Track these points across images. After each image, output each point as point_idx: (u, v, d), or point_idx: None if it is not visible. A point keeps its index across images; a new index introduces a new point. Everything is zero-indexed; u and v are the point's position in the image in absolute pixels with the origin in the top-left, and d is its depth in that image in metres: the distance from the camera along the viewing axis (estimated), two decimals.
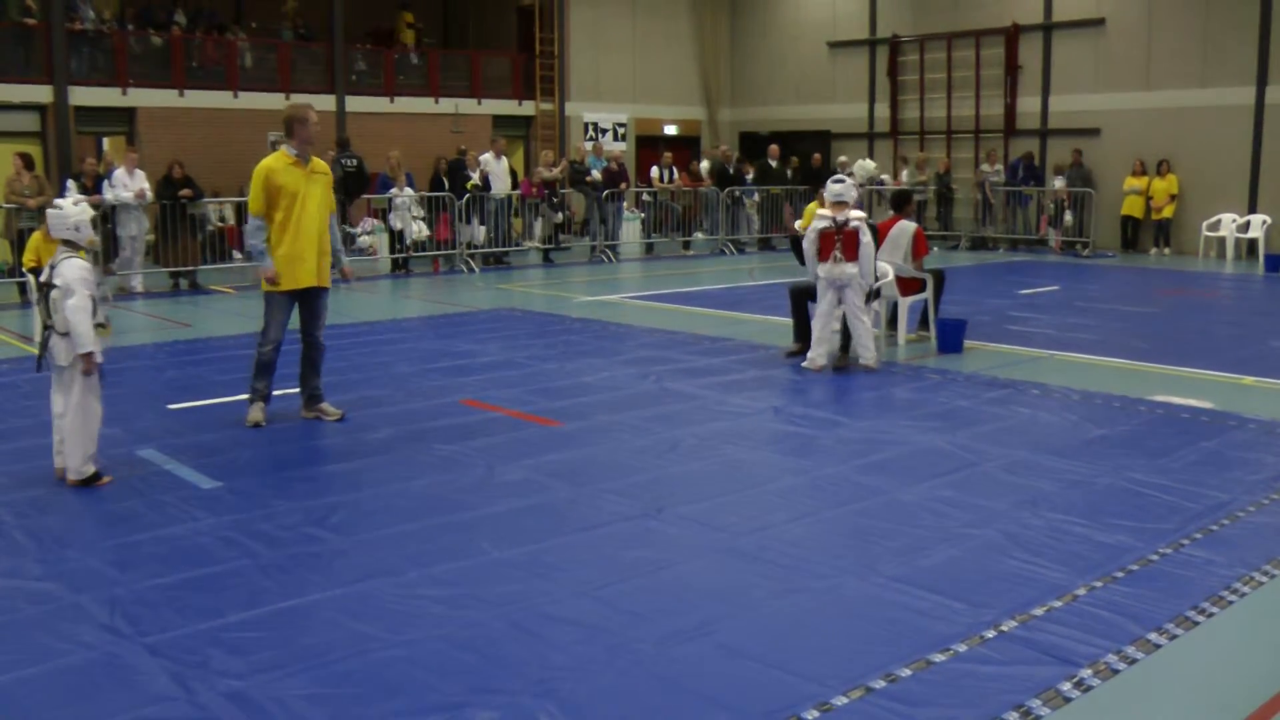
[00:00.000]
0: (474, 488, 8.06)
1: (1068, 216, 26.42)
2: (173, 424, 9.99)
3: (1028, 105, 28.57)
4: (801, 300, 12.99)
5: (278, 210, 9.69)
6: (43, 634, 5.60)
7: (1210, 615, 5.75)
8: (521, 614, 5.78)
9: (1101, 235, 26.44)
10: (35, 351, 13.45)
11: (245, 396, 10.25)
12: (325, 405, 10.24)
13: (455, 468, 8.53)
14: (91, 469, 8.16)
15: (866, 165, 15.41)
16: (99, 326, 8.06)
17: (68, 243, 8.17)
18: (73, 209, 8.23)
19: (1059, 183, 26.43)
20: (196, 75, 26.05)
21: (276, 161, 9.75)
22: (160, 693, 4.98)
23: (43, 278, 8.20)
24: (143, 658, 5.31)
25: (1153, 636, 5.47)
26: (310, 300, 10.05)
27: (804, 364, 12.05)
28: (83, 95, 24.21)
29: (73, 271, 7.97)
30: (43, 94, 23.77)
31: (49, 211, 8.37)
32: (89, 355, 7.95)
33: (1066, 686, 4.97)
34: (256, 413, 9.96)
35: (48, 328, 8.07)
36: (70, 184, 19.45)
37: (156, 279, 20.41)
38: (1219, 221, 25.08)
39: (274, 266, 9.70)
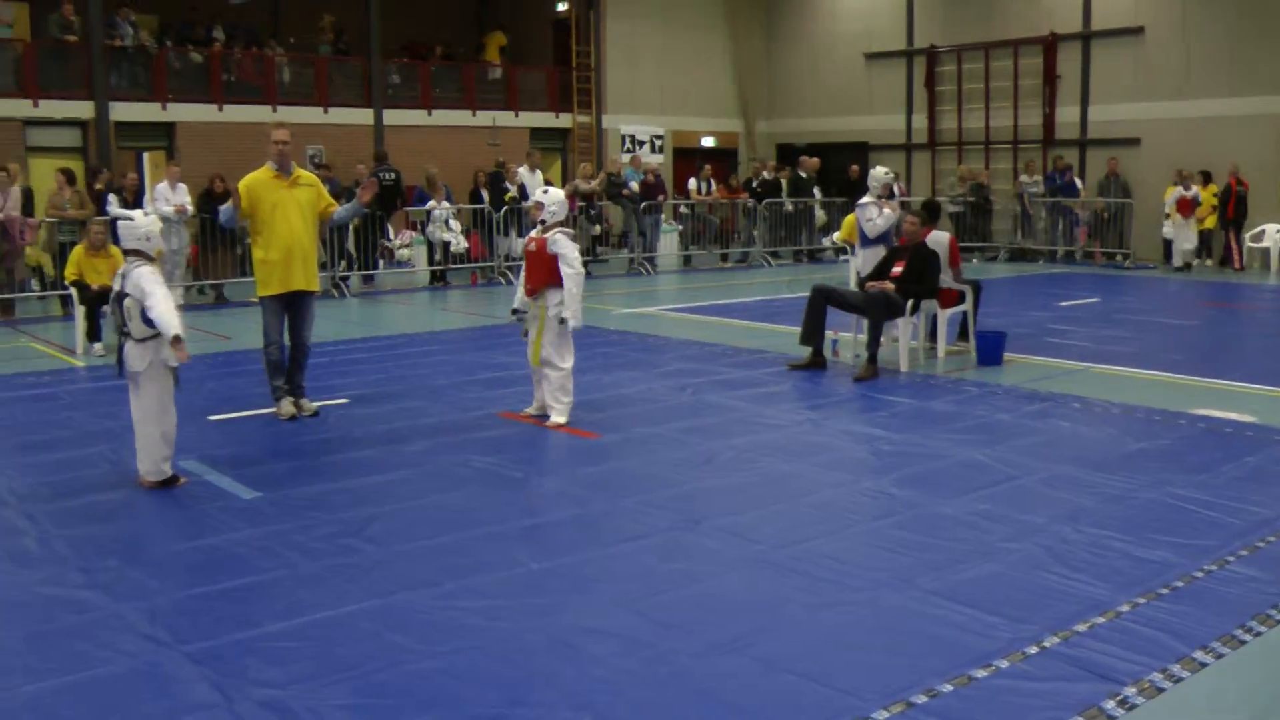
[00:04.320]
0: (511, 500, 8.07)
1: (1168, 228, 25.17)
2: (213, 435, 10.04)
3: (1066, 115, 28.41)
4: (821, 302, 12.82)
5: (259, 219, 10.41)
6: (84, 642, 5.64)
7: (1257, 634, 5.67)
8: (558, 626, 5.77)
9: (1142, 247, 26.22)
10: (77, 363, 13.65)
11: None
12: (304, 401, 10.86)
13: (492, 480, 8.53)
14: (168, 470, 8.33)
15: (878, 173, 15.12)
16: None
17: (136, 253, 8.31)
18: (143, 220, 8.49)
19: (1183, 190, 24.91)
20: (235, 90, 26.21)
21: (258, 175, 10.49)
22: (200, 701, 5.00)
23: (115, 287, 8.35)
24: (182, 666, 5.34)
25: (1198, 655, 5.40)
26: (298, 304, 10.69)
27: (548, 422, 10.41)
28: (123, 111, 24.41)
29: (145, 276, 8.10)
30: (84, 110, 23.97)
31: (120, 223, 8.59)
32: (178, 339, 8.01)
33: (1110, 704, 4.91)
34: (287, 406, 10.67)
35: (124, 335, 8.18)
36: (111, 198, 19.60)
37: (197, 292, 20.52)
38: (1262, 232, 24.82)
39: (233, 211, 10.50)
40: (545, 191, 10.56)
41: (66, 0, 23.87)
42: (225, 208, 10.58)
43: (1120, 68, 27.24)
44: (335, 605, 6.07)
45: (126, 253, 8.47)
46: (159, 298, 8.04)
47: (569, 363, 10.32)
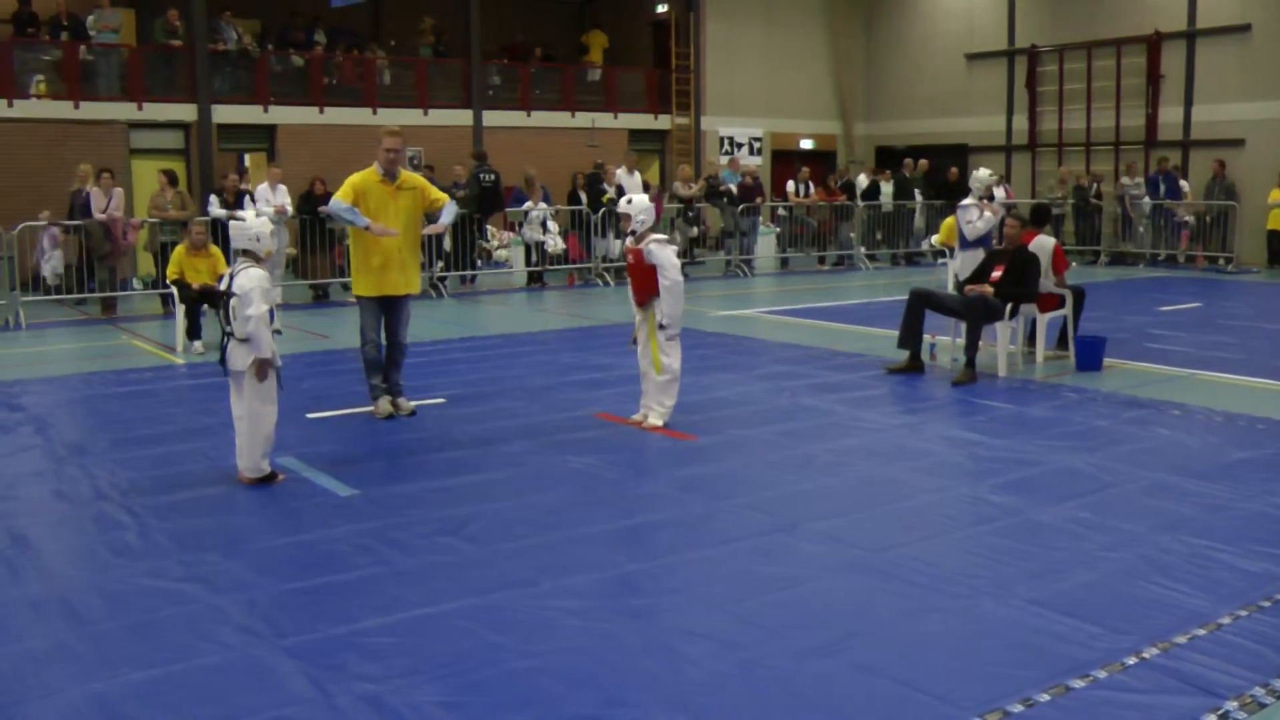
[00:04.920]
0: (608, 501, 8.09)
1: None
2: (311, 433, 10.17)
3: (1169, 115, 27.96)
4: (919, 306, 12.70)
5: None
6: (184, 633, 5.75)
7: None
8: (654, 628, 5.79)
9: (1245, 250, 25.75)
10: (177, 361, 13.88)
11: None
12: (401, 400, 10.92)
13: (589, 481, 8.57)
14: (267, 468, 8.48)
15: (980, 175, 14.96)
16: (274, 333, 8.38)
17: (246, 253, 8.46)
18: (254, 220, 8.68)
19: None
20: (335, 93, 26.51)
21: (365, 177, 10.51)
22: (298, 694, 5.08)
23: (221, 286, 8.54)
24: (281, 659, 5.42)
25: None
26: (394, 306, 10.76)
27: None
28: (225, 113, 24.79)
29: (251, 280, 8.28)
30: (187, 113, 24.38)
31: (231, 224, 8.77)
32: (264, 361, 8.23)
33: (1210, 719, 4.84)
34: (384, 405, 10.75)
35: (227, 334, 8.34)
36: (212, 199, 19.91)
37: (296, 291, 20.78)
38: None
39: (367, 220, 10.27)
40: (629, 201, 10.23)
41: (171, 6, 24.30)
42: (348, 207, 10.28)
43: (1226, 66, 26.75)
44: (432, 603, 6.12)
45: (236, 253, 8.60)
46: (257, 317, 8.17)
47: (677, 364, 10.24)
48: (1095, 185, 27.26)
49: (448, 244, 21.66)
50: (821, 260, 27.22)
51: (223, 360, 8.43)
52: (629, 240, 10.29)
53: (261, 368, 8.25)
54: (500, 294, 22.14)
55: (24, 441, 10.00)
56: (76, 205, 19.28)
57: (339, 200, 10.44)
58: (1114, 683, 5.15)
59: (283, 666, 5.34)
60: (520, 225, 23.48)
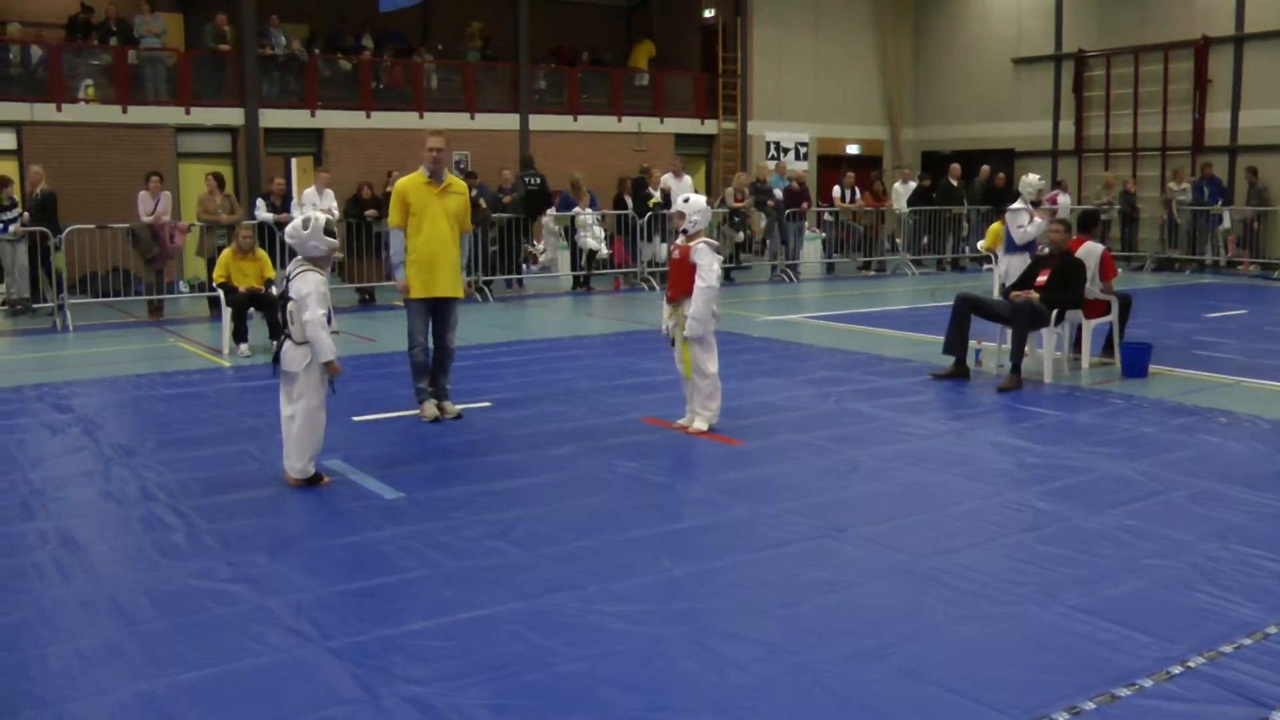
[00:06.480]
0: (654, 505, 8.11)
1: None
2: (357, 435, 10.22)
3: (1217, 121, 27.74)
4: (966, 311, 12.63)
5: (410, 223, 10.60)
6: (231, 634, 5.78)
7: None
8: (701, 631, 5.79)
9: None
10: (224, 363, 13.98)
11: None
12: (447, 404, 10.97)
13: (635, 485, 8.58)
14: (313, 470, 8.53)
15: (1031, 180, 14.98)
16: (332, 333, 8.46)
17: (307, 257, 8.52)
18: (290, 226, 8.66)
19: None
20: (383, 97, 26.65)
21: (411, 180, 10.69)
22: (345, 695, 5.10)
23: (276, 290, 8.58)
24: (327, 661, 5.45)
25: None
26: (442, 308, 10.84)
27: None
28: (273, 118, 24.96)
29: (307, 285, 8.34)
30: (234, 117, 24.58)
31: (287, 235, 8.75)
32: (332, 362, 8.34)
33: None
34: (430, 409, 10.83)
35: (283, 336, 8.41)
36: (259, 203, 20.05)
37: (343, 295, 20.87)
38: None
39: (405, 279, 10.67)
40: (686, 200, 10.28)
41: (220, 11, 24.50)
42: (394, 240, 10.77)
43: (1274, 71, 26.52)
44: (479, 606, 6.15)
45: (294, 258, 8.65)
46: (315, 321, 8.25)
47: (713, 368, 10.24)
48: (1173, 206, 26.83)
49: (495, 248, 21.73)
50: (867, 265, 27.15)
51: (276, 360, 8.48)
52: (680, 239, 10.29)
53: (332, 368, 8.37)
54: (546, 298, 22.19)
55: (72, 442, 10.10)
56: (32, 210, 19.20)
57: (394, 235, 10.80)
58: (1161, 692, 5.12)
59: (329, 668, 5.37)
60: (567, 230, 23.50)
